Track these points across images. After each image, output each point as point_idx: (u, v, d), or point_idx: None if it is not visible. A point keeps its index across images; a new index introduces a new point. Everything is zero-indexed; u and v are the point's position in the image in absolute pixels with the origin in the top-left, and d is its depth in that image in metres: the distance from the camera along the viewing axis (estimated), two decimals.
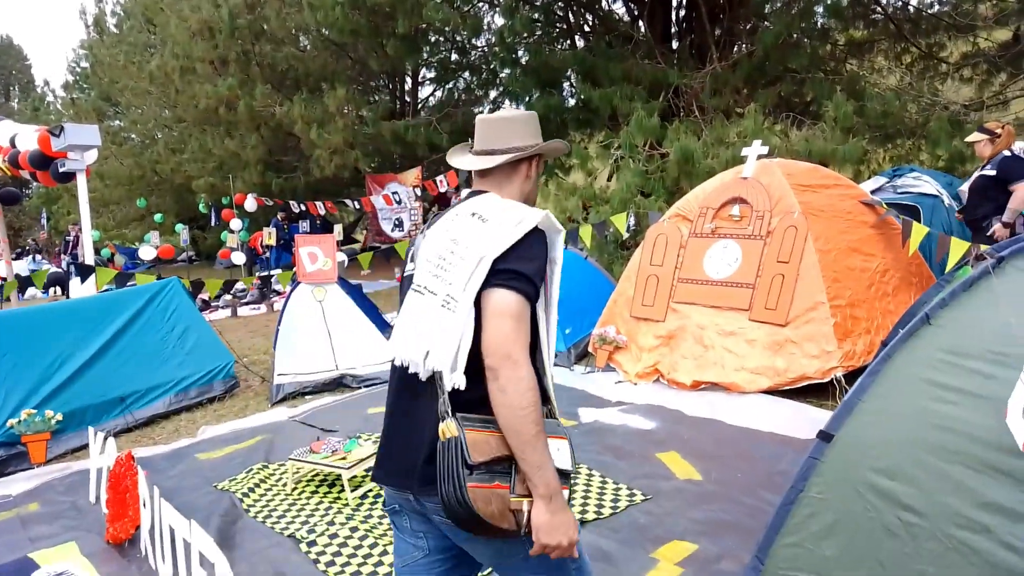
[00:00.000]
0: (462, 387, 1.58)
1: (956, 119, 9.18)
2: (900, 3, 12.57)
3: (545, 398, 1.67)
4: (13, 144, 8.23)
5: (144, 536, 3.43)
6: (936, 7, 12.44)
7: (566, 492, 1.61)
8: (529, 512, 1.57)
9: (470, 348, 1.59)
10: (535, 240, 1.66)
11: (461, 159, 1.92)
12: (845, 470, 1.87)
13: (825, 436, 1.88)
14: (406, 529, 1.80)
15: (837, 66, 12.81)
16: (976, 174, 5.97)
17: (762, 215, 5.66)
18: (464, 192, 1.90)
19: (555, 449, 1.61)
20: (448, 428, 1.56)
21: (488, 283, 1.59)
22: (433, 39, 15.61)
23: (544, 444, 1.55)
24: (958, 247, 5.15)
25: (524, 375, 1.52)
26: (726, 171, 6.65)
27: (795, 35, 11.64)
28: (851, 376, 4.95)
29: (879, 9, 12.39)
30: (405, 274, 1.90)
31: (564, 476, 1.62)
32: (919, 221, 6.53)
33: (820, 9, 11.87)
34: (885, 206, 6.01)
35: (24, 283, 6.23)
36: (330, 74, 15.59)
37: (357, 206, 15.41)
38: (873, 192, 7.08)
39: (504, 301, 1.57)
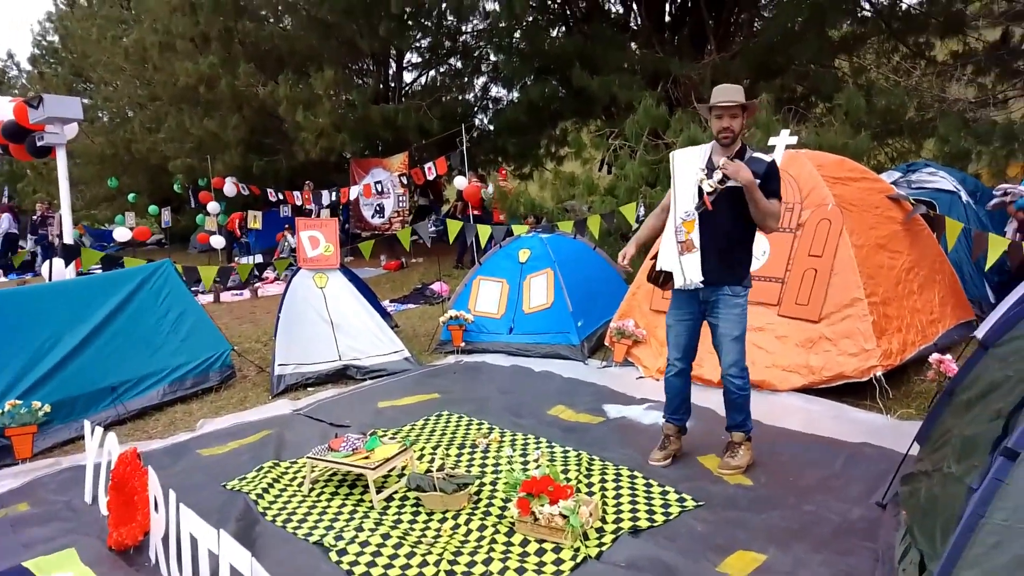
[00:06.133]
0: None
1: (964, 116, 9.09)
2: (887, 1, 12.44)
3: None
4: None
5: (155, 544, 3.10)
6: (925, 6, 12.36)
7: None
8: None
9: None
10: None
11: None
12: None
13: (1010, 454, 1.63)
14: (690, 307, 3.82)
15: (832, 61, 12.69)
16: None
17: (791, 207, 5.46)
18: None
19: None
20: None
21: None
22: (424, 23, 15.18)
23: None
24: (997, 244, 5.01)
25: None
26: None
27: (796, 27, 11.48)
28: (889, 376, 4.77)
29: (868, 7, 12.28)
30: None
31: None
32: None
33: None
34: (912, 202, 5.85)
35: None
36: (315, 55, 15.07)
37: (334, 197, 14.80)
38: None
39: None
